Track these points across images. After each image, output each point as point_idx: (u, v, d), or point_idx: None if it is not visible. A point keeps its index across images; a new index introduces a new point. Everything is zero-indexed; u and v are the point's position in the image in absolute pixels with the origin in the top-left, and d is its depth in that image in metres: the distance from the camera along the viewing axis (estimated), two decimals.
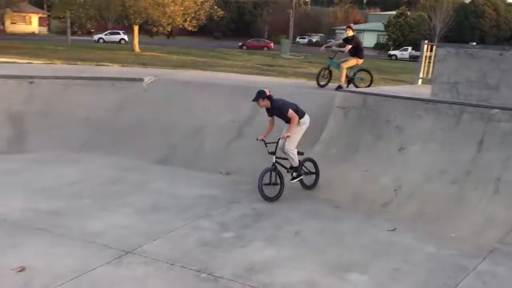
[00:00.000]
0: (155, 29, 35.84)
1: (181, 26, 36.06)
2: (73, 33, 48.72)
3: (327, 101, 9.70)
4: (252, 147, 9.33)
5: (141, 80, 12.13)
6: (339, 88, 10.60)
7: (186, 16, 34.23)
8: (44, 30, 63.07)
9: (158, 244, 5.71)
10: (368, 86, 11.18)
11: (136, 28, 35.33)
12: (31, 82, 11.47)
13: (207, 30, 58.28)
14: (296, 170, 7.59)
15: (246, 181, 8.09)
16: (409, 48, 56.14)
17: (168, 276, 4.98)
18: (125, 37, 50.74)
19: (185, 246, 5.70)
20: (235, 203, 7.21)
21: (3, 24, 56.49)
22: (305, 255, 5.63)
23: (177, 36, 55.19)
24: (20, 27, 58.43)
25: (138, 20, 34.34)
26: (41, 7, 62.27)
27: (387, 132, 8.50)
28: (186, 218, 6.54)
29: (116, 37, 51.87)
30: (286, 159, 7.56)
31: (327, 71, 11.19)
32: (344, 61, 10.94)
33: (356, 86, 10.95)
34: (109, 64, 19.35)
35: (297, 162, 7.52)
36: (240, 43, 55.08)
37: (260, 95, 7.40)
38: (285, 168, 7.61)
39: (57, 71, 13.62)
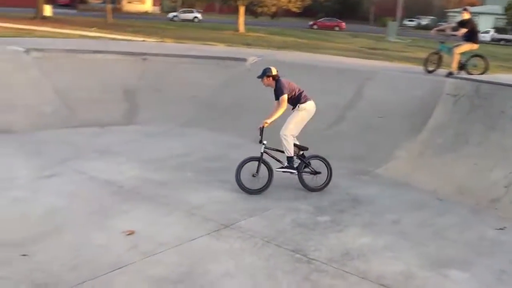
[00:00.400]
0: (259, 9, 36.16)
1: (285, 7, 36.03)
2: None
3: (436, 87, 9.19)
4: (353, 132, 9.16)
5: (245, 60, 12.34)
6: (449, 74, 9.98)
7: None
8: (156, 9, 66.36)
9: (254, 221, 5.83)
10: (482, 73, 10.39)
11: (241, 9, 35.90)
12: (144, 59, 12.16)
13: (311, 11, 57.57)
14: (289, 161, 6.81)
15: (344, 166, 7.95)
16: None
17: (263, 253, 5.07)
18: (199, 15, 52.17)
19: (280, 225, 5.76)
20: (332, 187, 7.12)
21: (119, 3, 60.34)
22: (403, 246, 5.44)
23: (281, 17, 55.22)
24: (135, 6, 62.02)
25: (244, 1, 34.86)
26: None
27: (502, 123, 7.87)
28: (283, 199, 6.60)
29: (190, 15, 52.86)
30: (282, 151, 6.81)
31: (436, 56, 10.59)
32: (457, 46, 10.25)
33: (469, 73, 10.23)
34: (215, 43, 19.91)
35: (291, 152, 6.75)
36: (311, 23, 53.31)
37: (265, 72, 6.74)
38: (277, 160, 6.82)
39: (168, 49, 14.29)
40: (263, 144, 6.71)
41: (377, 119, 9.27)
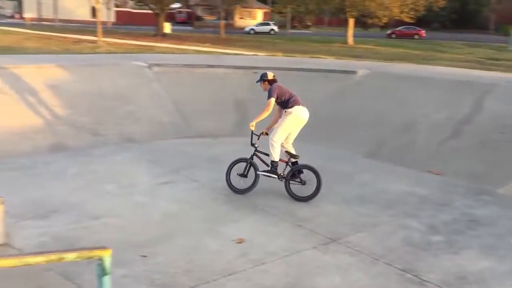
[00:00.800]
0: (370, 20, 35.54)
1: (397, 17, 35.02)
2: (293, 27, 51.68)
3: None
4: (470, 148, 8.62)
5: (354, 72, 12.19)
6: None
7: (403, 7, 33.11)
8: None
9: (363, 236, 5.71)
10: None
11: (351, 21, 35.55)
12: (254, 72, 12.52)
13: (425, 21, 55.18)
14: (272, 165, 6.78)
15: (459, 184, 7.51)
16: None
17: (371, 270, 4.94)
18: (275, 27, 53.10)
19: (390, 243, 5.57)
20: (446, 206, 6.74)
21: (232, 18, 62.85)
22: None
23: (392, 28, 53.75)
24: (246, 22, 64.19)
25: (354, 13, 34.50)
26: (265, 3, 67.41)
27: None
28: (392, 215, 6.39)
29: (266, 28, 53.81)
30: (286, 161, 6.89)
31: None
32: None
33: None
34: (323, 56, 19.91)
35: (276, 157, 6.73)
36: (389, 32, 50.36)
37: (262, 77, 6.95)
38: (266, 164, 6.86)
39: (277, 62, 14.58)
40: (255, 147, 6.93)
41: (497, 134, 8.62)
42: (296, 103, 6.72)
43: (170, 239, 5.48)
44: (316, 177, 6.66)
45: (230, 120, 11.11)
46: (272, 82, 6.89)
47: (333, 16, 51.21)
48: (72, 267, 4.54)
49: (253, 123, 6.73)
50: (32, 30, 37.67)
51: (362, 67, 12.89)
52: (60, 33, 34.83)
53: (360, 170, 8.33)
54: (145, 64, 12.31)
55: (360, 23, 40.19)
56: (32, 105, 9.90)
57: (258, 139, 6.94)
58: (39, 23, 47.84)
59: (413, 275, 4.84)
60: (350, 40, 34.86)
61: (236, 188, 6.91)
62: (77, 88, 10.72)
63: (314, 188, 6.66)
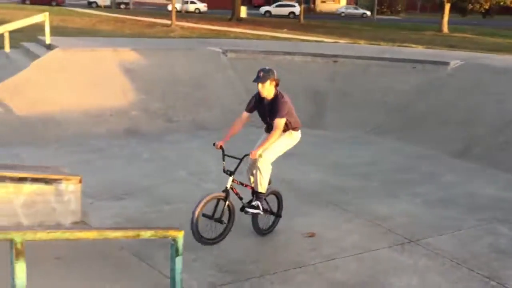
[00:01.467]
0: (470, 6, 34.23)
1: (502, 3, 33.43)
2: (382, 13, 50.56)
3: None
4: None
5: (446, 64, 11.96)
6: None
7: None
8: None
9: (444, 239, 5.74)
10: None
11: (447, 7, 34.39)
12: (335, 61, 12.65)
13: None
14: (259, 199, 5.42)
15: None
16: None
17: (451, 275, 4.99)
18: (296, 10, 49.62)
19: (474, 248, 5.57)
20: None
21: (313, 3, 62.72)
22: None
23: (496, 15, 51.19)
24: (328, 6, 63.83)
25: None
26: None
27: None
28: (480, 219, 6.34)
29: (285, 10, 50.99)
30: (252, 187, 5.49)
31: None
32: None
33: None
34: (413, 45, 19.56)
35: (265, 188, 5.41)
36: None
37: (269, 74, 5.18)
38: (240, 198, 5.43)
39: (360, 51, 14.57)
40: (231, 175, 5.27)
41: None
42: (300, 125, 5.53)
43: (239, 228, 5.82)
44: (278, 201, 5.78)
45: (305, 111, 11.27)
46: (277, 85, 5.28)
47: (426, 1, 49.52)
48: (143, 249, 5.02)
49: (261, 152, 5.14)
50: (106, 12, 39.88)
51: (456, 58, 12.59)
52: (134, 16, 36.62)
53: (446, 171, 8.26)
54: (219, 50, 12.81)
55: (458, 9, 38.65)
56: (108, 88, 10.69)
57: (224, 159, 5.32)
58: (112, 7, 50.48)
59: (498, 283, 4.85)
60: (445, 27, 33.76)
61: (203, 237, 5.16)
62: (152, 73, 11.41)
63: (275, 216, 5.74)
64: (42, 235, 4.01)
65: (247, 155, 5.21)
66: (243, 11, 41.67)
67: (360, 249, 5.41)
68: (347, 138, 10.08)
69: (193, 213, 5.04)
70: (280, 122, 5.16)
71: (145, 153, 8.56)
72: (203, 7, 51.93)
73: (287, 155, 8.57)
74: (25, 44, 13.55)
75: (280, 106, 5.16)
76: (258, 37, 22.56)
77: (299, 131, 5.51)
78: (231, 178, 5.25)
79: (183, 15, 39.79)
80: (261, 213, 5.46)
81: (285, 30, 29.56)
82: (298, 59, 12.88)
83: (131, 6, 52.31)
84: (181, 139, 9.49)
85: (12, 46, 13.05)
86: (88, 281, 4.38)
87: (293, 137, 5.48)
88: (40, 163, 6.77)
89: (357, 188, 7.31)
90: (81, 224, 5.57)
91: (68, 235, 3.81)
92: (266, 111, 5.30)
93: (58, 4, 49.28)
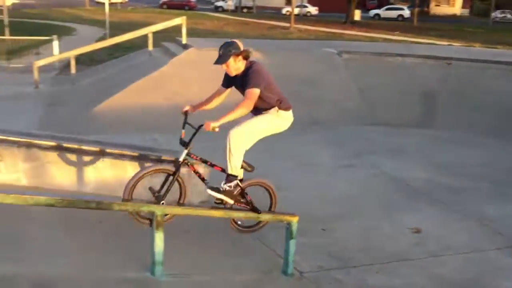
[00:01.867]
0: None
1: None
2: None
3: None
4: None
5: None
6: None
7: None
8: (465, 12, 63.05)
9: None
10: None
11: None
12: (448, 64, 11.95)
13: None
14: (229, 181, 4.34)
15: None
16: None
17: None
18: (405, 13, 46.66)
19: None
20: None
21: (427, 6, 59.62)
22: None
23: None
24: (443, 9, 60.29)
25: None
26: None
27: None
28: None
29: (394, 13, 47.91)
30: (212, 165, 4.45)
31: None
32: None
33: None
34: None
35: (237, 168, 4.36)
36: None
37: (229, 49, 4.19)
38: (201, 178, 4.41)
39: (475, 54, 13.64)
40: (187, 148, 4.28)
41: None
42: (290, 105, 4.48)
43: (347, 218, 5.78)
44: (270, 196, 4.78)
45: (415, 111, 10.86)
46: (247, 56, 4.27)
47: None
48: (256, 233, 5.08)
49: (217, 125, 4.05)
50: (232, 16, 41.19)
51: None
52: (256, 19, 37.44)
53: None
54: (334, 51, 12.68)
55: None
56: None
57: (194, 135, 4.28)
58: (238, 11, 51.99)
59: None
60: None
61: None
62: (272, 72, 11.55)
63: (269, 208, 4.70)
64: (178, 210, 4.30)
65: (202, 125, 4.16)
66: (357, 15, 40.81)
67: (467, 249, 5.12)
68: (457, 138, 9.50)
69: (128, 183, 4.09)
70: (251, 92, 4.11)
71: (263, 145, 8.73)
72: (314, 10, 51.77)
73: (395, 153, 8.38)
74: (165, 43, 14.43)
75: (251, 75, 4.16)
76: (371, 39, 21.99)
77: (290, 111, 4.43)
78: (185, 151, 4.25)
79: (300, 18, 39.89)
80: (229, 201, 4.33)
81: (397, 32, 28.49)
82: (409, 60, 12.36)
83: (254, 10, 53.50)
84: (296, 133, 9.49)
85: (154, 45, 13.96)
86: (210, 254, 4.59)
87: (282, 117, 4.40)
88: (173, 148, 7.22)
89: (466, 188, 6.89)
90: (207, 204, 5.88)
91: (199, 212, 4.04)
92: (239, 86, 4.33)
93: (190, 9, 51.81)
